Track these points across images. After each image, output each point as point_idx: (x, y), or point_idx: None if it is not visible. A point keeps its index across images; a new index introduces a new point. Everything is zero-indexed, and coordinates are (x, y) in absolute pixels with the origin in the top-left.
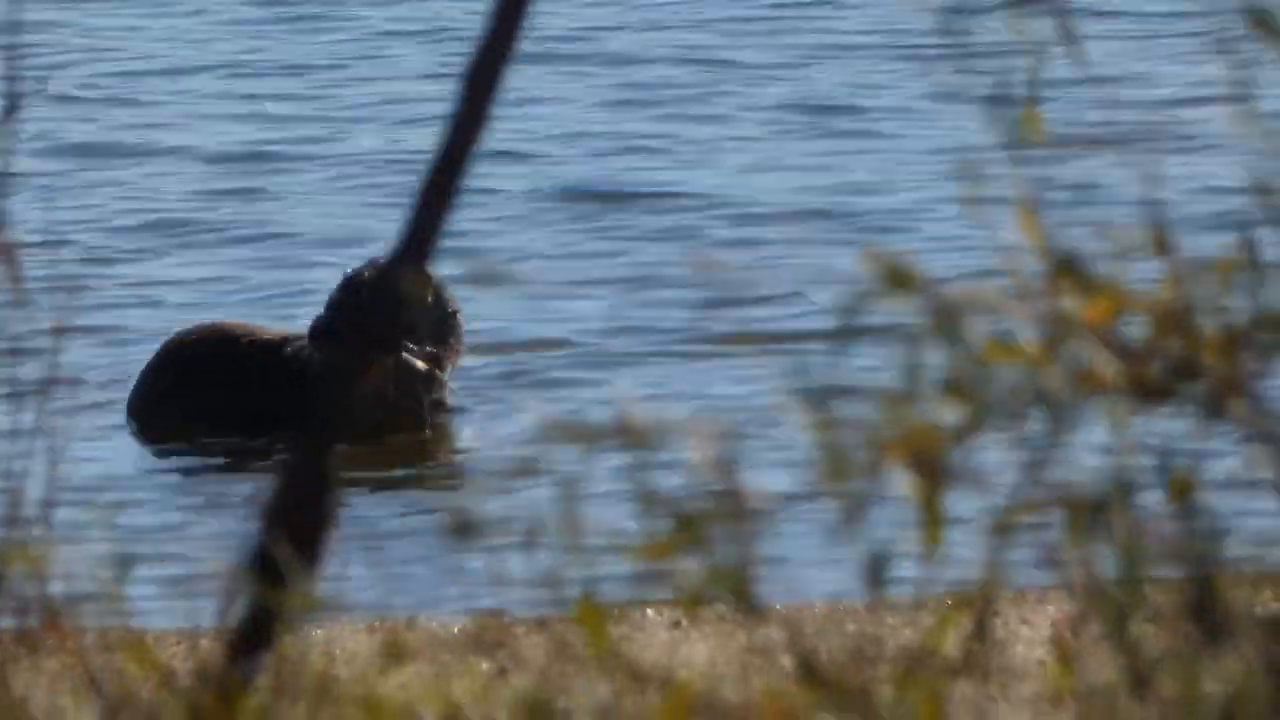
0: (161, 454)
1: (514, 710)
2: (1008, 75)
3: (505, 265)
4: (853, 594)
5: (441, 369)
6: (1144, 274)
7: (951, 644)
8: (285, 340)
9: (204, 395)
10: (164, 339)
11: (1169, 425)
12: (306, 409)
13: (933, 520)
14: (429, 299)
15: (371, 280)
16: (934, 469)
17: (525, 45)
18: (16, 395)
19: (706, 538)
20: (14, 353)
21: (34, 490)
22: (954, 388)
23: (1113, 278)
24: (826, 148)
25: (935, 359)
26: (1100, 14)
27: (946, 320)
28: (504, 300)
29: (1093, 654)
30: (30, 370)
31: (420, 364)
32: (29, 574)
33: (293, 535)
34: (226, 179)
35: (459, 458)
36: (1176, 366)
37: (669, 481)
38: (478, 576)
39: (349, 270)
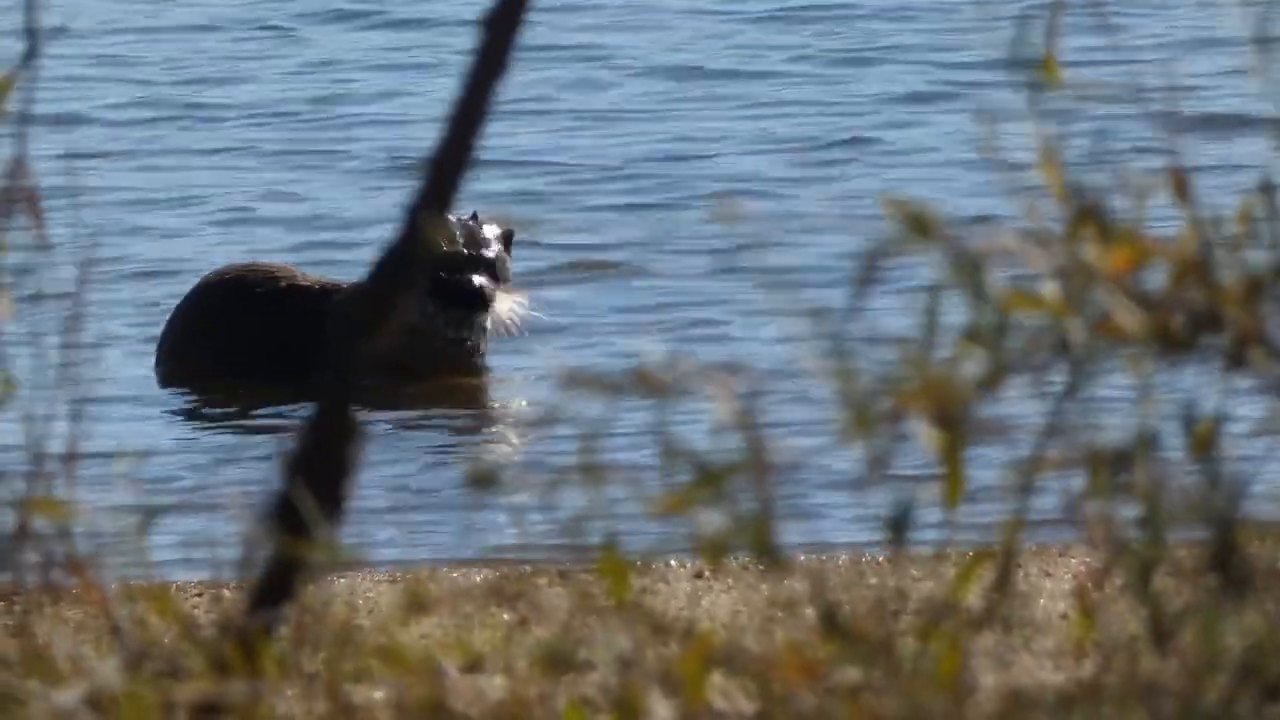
0: (186, 405)
1: (535, 661)
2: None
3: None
4: (875, 546)
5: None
6: (1165, 222)
7: (973, 596)
8: (324, 288)
9: (237, 336)
10: (199, 278)
11: (1191, 377)
12: (328, 359)
13: (954, 473)
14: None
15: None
16: (955, 420)
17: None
18: (40, 344)
19: (728, 490)
20: (38, 301)
21: (57, 441)
22: (975, 337)
23: (1133, 226)
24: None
25: (956, 308)
26: None
27: (967, 269)
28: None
29: (1114, 607)
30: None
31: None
32: (53, 525)
33: (315, 485)
34: None
35: (482, 407)
36: (1198, 317)
37: (692, 432)
38: (500, 527)
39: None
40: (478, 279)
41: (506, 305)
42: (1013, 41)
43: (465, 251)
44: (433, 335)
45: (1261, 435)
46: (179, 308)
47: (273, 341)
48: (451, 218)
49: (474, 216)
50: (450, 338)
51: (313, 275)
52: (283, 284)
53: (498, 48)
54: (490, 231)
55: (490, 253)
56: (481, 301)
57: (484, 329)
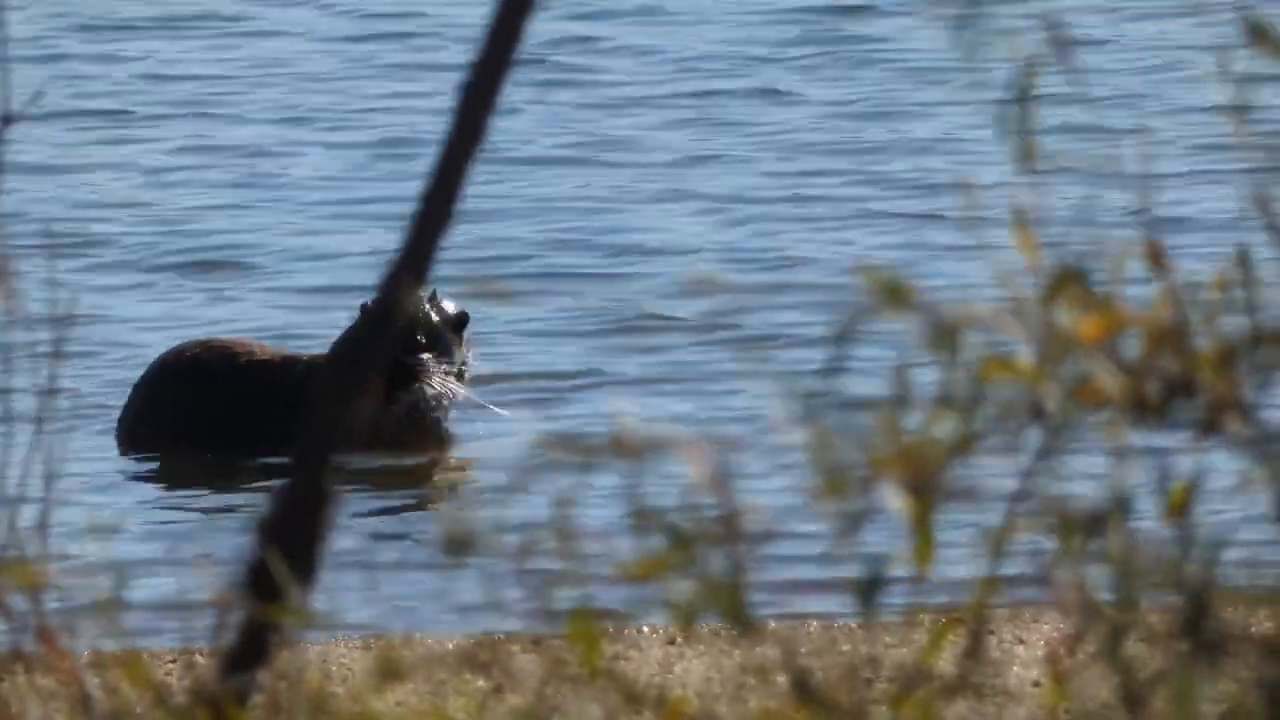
0: (156, 472)
1: None
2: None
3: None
4: (847, 612)
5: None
6: (1140, 291)
7: (946, 662)
8: (284, 360)
9: (196, 411)
10: (160, 354)
11: (1165, 442)
12: (303, 427)
13: (924, 539)
14: (436, 315)
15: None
16: (927, 486)
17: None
18: (10, 411)
19: (700, 556)
20: (7, 367)
21: (29, 507)
22: (949, 403)
23: (1109, 294)
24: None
25: (931, 374)
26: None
27: (942, 336)
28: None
29: (1087, 673)
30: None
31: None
32: (24, 591)
33: (288, 552)
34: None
35: (455, 474)
36: (1172, 383)
37: (664, 497)
38: (473, 594)
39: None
40: (412, 360)
41: (440, 384)
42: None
43: (414, 326)
44: (401, 399)
45: (1236, 499)
46: (138, 384)
47: (232, 416)
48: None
49: (433, 295)
50: (399, 415)
51: (270, 348)
52: (241, 359)
53: (476, 114)
54: (442, 312)
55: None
56: (412, 379)
57: (430, 403)
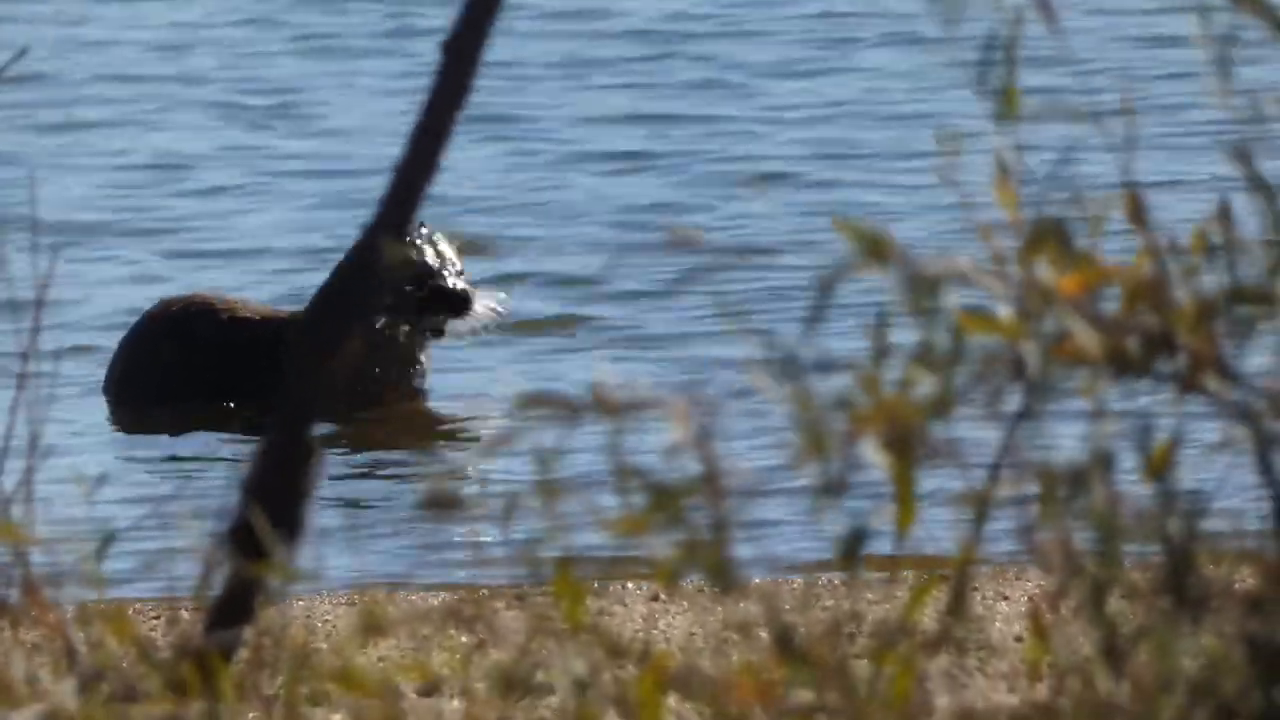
0: (141, 426)
1: (492, 683)
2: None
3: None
4: (830, 568)
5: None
6: (1120, 246)
7: (928, 618)
8: (267, 316)
9: (184, 368)
10: (145, 310)
11: (1146, 398)
12: (286, 383)
13: (906, 495)
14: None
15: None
16: (908, 444)
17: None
18: None
19: (682, 513)
20: None
21: (13, 463)
22: (928, 360)
23: (1089, 249)
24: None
25: (911, 331)
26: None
27: (922, 291)
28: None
29: (1069, 629)
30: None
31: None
32: (8, 547)
33: (272, 508)
34: None
35: (438, 430)
36: (1152, 339)
37: (646, 453)
38: (457, 550)
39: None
40: (461, 283)
41: (484, 306)
42: (977, 69)
43: (438, 258)
44: (386, 352)
45: (1217, 456)
46: (124, 340)
47: (216, 373)
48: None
49: (421, 228)
50: (413, 348)
51: (255, 305)
52: (224, 316)
53: (459, 70)
54: (449, 246)
55: (457, 258)
56: (468, 304)
57: (456, 332)
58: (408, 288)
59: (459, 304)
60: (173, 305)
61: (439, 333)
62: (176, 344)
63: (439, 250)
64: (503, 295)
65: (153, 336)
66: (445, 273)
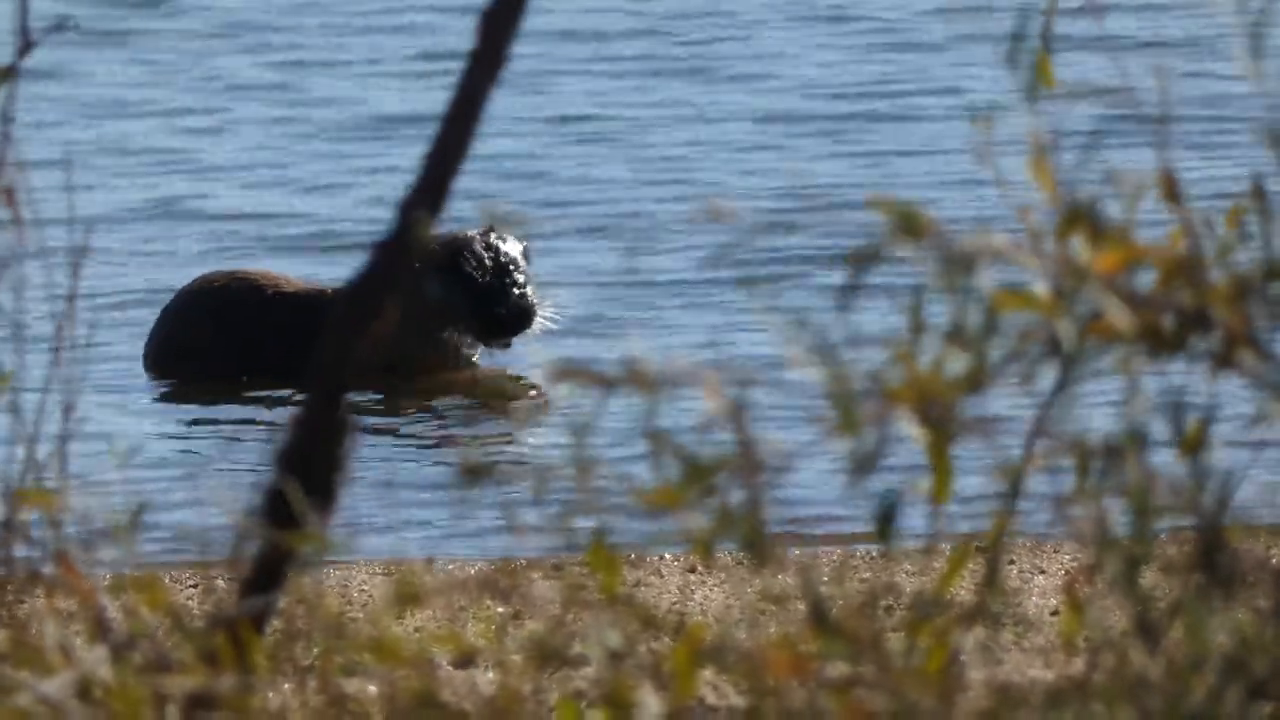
0: (177, 397)
1: (527, 654)
2: (1023, 24)
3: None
4: (866, 541)
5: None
6: (1155, 222)
7: (964, 592)
8: (310, 293)
9: (222, 343)
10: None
11: (1180, 375)
12: (318, 356)
13: (941, 469)
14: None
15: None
16: (942, 417)
17: None
18: (29, 338)
19: (718, 485)
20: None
21: (49, 432)
22: (961, 336)
23: (1123, 227)
24: None
25: (945, 307)
26: None
27: (956, 268)
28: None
29: (1104, 603)
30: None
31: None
32: (44, 516)
33: (306, 477)
34: None
35: (473, 400)
36: (1186, 317)
37: (682, 425)
38: (492, 520)
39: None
40: (525, 301)
41: (541, 320)
42: (1009, 43)
43: (501, 271)
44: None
45: (1252, 432)
46: (164, 314)
47: (258, 346)
48: (474, 234)
49: (489, 230)
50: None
51: (297, 281)
52: (268, 291)
53: (493, 48)
54: (514, 248)
55: (523, 273)
56: (527, 324)
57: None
58: (472, 308)
59: (519, 326)
60: (214, 280)
61: (505, 346)
62: (218, 318)
63: (503, 259)
64: (560, 296)
65: (193, 310)
66: (508, 293)
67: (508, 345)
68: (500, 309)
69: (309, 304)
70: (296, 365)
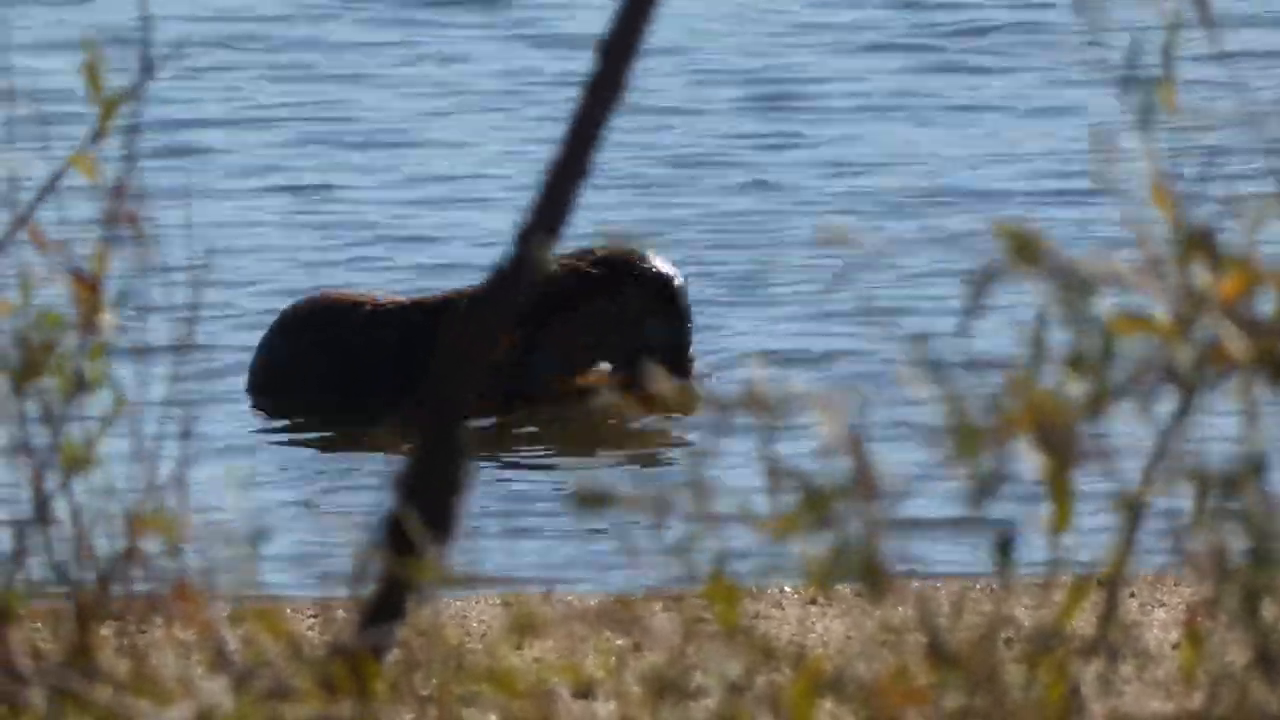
0: (293, 425)
1: (646, 686)
2: (1141, 50)
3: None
4: (984, 572)
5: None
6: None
7: (1082, 625)
8: (407, 306)
9: (327, 363)
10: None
11: None
12: (435, 382)
13: (1061, 498)
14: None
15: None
16: (1062, 445)
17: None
18: (147, 363)
19: (835, 515)
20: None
21: (167, 459)
22: (1081, 362)
23: (1245, 252)
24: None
25: (1063, 332)
26: None
27: (1075, 293)
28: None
29: (1225, 636)
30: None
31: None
32: (163, 543)
33: (425, 506)
34: None
35: (592, 428)
36: None
37: (799, 453)
38: (612, 551)
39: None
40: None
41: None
42: (1126, 63)
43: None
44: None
45: None
46: (266, 338)
47: (363, 365)
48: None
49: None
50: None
51: (391, 296)
52: (366, 308)
53: (613, 72)
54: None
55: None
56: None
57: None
58: (676, 343)
59: (681, 375)
60: (310, 302)
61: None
62: (318, 341)
63: (683, 311)
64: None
65: (292, 334)
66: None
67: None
68: (672, 361)
69: (407, 318)
70: (402, 382)
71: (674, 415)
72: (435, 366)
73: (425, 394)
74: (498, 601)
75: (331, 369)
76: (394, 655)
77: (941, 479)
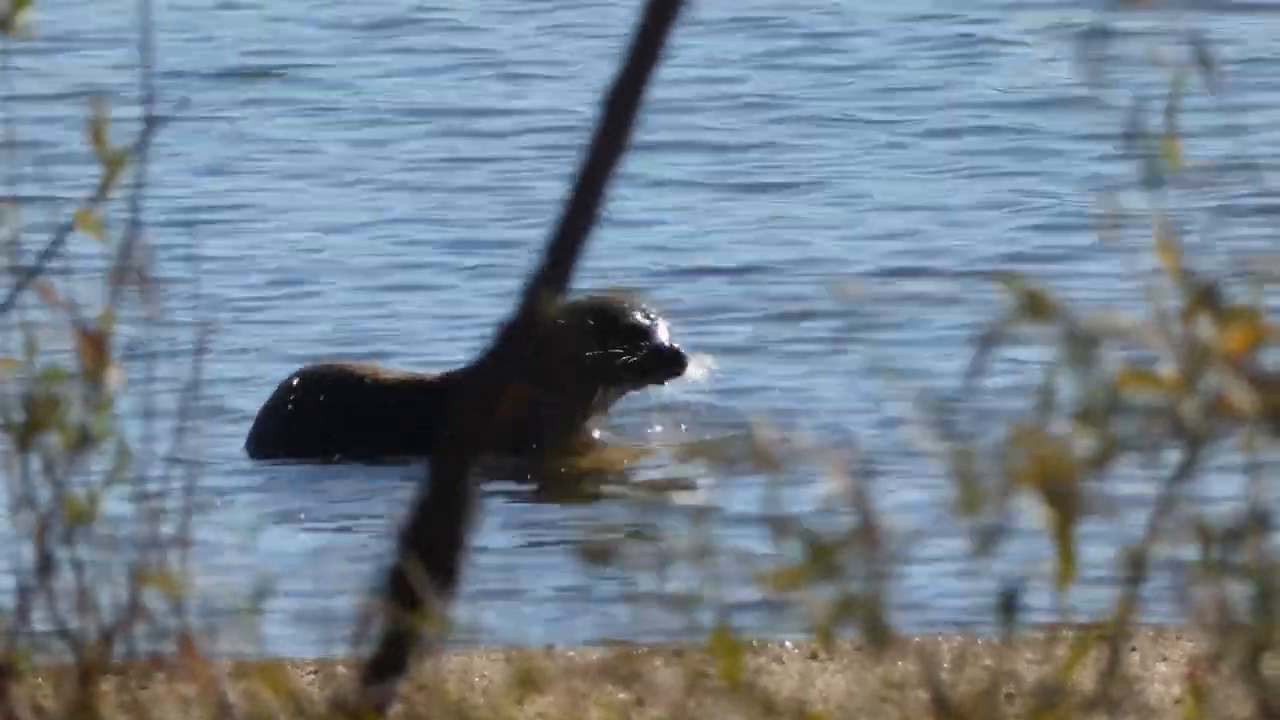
0: (295, 480)
1: None
2: (1144, 106)
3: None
4: (987, 626)
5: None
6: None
7: (1086, 679)
8: (406, 382)
9: (324, 436)
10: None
11: None
12: (442, 436)
13: (1065, 551)
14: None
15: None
16: (1067, 498)
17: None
18: (150, 418)
19: (839, 567)
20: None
21: (170, 515)
22: (1088, 416)
23: (1251, 307)
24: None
25: (1070, 387)
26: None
27: (1082, 348)
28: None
29: (1228, 690)
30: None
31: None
32: (165, 599)
33: (428, 561)
34: None
35: (596, 483)
36: None
37: (802, 505)
38: (613, 604)
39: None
40: (673, 344)
41: (698, 368)
42: (1131, 119)
43: (649, 321)
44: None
45: None
46: (267, 406)
47: (357, 437)
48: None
49: (615, 296)
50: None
51: (393, 370)
52: (366, 380)
53: (618, 126)
54: (653, 311)
55: (663, 322)
56: (683, 364)
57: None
58: (623, 350)
59: (676, 364)
60: (313, 373)
61: (660, 383)
62: (318, 410)
63: (649, 314)
64: (710, 360)
65: (294, 405)
66: (660, 334)
67: (662, 382)
68: (660, 344)
69: (405, 392)
70: (394, 450)
71: (679, 463)
72: (448, 420)
73: (437, 447)
74: (500, 656)
75: (330, 437)
76: (396, 711)
77: (948, 531)
